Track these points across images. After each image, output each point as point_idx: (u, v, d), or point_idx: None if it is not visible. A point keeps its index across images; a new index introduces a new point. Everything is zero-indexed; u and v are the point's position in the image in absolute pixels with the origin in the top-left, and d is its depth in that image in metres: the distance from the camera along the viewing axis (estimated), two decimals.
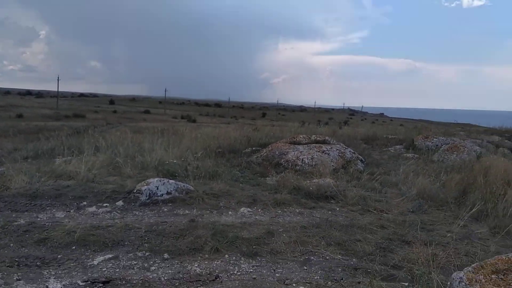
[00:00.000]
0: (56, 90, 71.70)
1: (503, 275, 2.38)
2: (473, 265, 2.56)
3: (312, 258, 3.68)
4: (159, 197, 5.33)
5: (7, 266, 3.19)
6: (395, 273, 3.28)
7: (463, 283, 2.42)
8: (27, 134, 14.87)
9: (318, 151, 8.53)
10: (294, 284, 3.10)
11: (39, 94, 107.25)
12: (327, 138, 9.96)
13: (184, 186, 5.69)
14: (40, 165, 6.87)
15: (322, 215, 4.97)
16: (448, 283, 2.58)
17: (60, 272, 3.16)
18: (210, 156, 8.32)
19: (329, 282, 3.15)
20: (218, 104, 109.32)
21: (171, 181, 5.69)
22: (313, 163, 7.98)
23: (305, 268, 3.45)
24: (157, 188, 5.42)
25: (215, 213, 4.92)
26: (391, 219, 4.82)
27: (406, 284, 3.03)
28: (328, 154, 8.51)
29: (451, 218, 4.89)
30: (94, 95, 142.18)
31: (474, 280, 2.40)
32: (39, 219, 4.39)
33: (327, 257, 3.69)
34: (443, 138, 11.97)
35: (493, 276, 2.39)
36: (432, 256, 3.25)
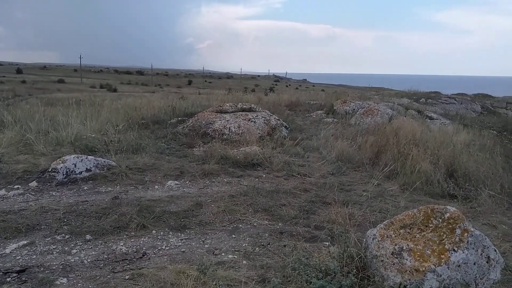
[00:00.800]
0: None
1: (409, 229, 2.67)
2: (384, 222, 2.83)
3: (240, 226, 3.78)
4: (78, 175, 5.02)
5: None
6: (317, 234, 3.52)
7: (376, 239, 2.67)
8: None
9: (245, 119, 8.60)
10: (223, 254, 3.17)
11: None
12: (253, 105, 10.06)
13: (105, 161, 5.41)
14: None
15: (249, 183, 5.08)
16: (364, 240, 2.83)
17: None
18: (133, 128, 7.95)
19: (256, 248, 3.27)
20: (140, 72, 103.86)
21: (90, 157, 5.37)
22: (240, 131, 8.05)
23: (234, 236, 3.54)
24: (75, 166, 5.08)
25: (141, 188, 4.78)
26: (313, 182, 5.11)
27: (327, 243, 3.27)
28: (254, 122, 8.62)
29: (367, 178, 5.31)
30: None
31: (385, 235, 2.67)
32: None
33: (255, 224, 3.81)
34: (359, 102, 12.76)
35: (401, 230, 2.67)
36: (349, 215, 3.52)
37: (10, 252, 3.08)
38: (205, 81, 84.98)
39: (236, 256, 3.11)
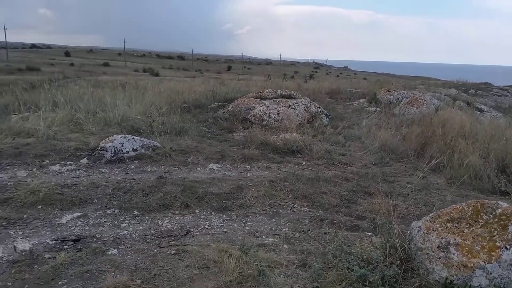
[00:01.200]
0: (4, 40, 66.31)
1: (457, 223, 2.58)
2: (430, 214, 2.75)
3: (280, 211, 3.82)
4: (125, 154, 5.23)
5: None
6: (358, 223, 3.49)
7: (421, 231, 2.61)
8: None
9: (284, 106, 8.57)
10: (263, 236, 3.23)
11: None
12: (292, 92, 10.00)
13: (150, 142, 5.60)
14: None
15: (289, 169, 5.09)
16: (408, 232, 2.77)
17: (27, 231, 3.10)
18: (176, 111, 8.15)
19: (297, 234, 3.30)
20: (181, 57, 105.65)
21: (136, 137, 5.58)
22: (280, 118, 8.04)
23: (274, 220, 3.58)
24: (122, 145, 5.30)
25: (184, 169, 4.92)
26: (355, 172, 5.03)
27: (369, 233, 3.23)
28: (294, 108, 8.58)
29: (411, 170, 5.16)
30: (48, 46, 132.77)
31: (431, 228, 2.59)
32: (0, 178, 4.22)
33: (295, 210, 3.83)
34: (403, 91, 12.34)
35: (448, 224, 2.59)
36: (393, 207, 3.45)
37: (66, 222, 3.30)
38: (244, 67, 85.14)
39: (276, 240, 3.16)
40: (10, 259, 2.68)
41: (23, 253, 2.75)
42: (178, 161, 5.15)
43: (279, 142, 6.13)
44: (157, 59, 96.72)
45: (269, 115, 8.15)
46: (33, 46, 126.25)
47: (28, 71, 34.89)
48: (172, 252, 2.85)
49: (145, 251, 2.87)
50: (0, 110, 8.12)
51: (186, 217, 3.53)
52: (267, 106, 8.51)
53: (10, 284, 2.41)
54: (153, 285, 2.42)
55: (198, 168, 4.99)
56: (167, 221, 3.43)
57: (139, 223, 3.37)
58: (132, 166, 4.91)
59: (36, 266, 2.60)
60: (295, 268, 2.67)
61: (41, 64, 44.30)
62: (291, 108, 8.56)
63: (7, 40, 66.41)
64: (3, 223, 3.22)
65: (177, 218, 3.51)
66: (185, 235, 3.19)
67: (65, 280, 2.46)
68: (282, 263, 2.70)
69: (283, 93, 9.81)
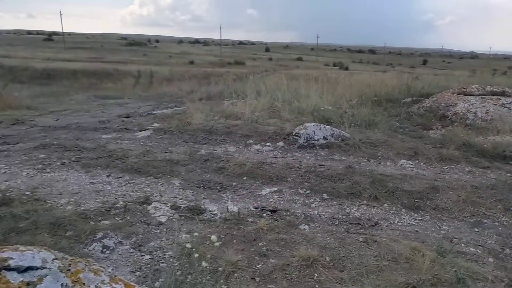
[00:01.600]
0: (219, 38, 78.58)
1: None
2: None
3: (485, 221, 3.33)
4: (316, 141, 5.49)
5: (196, 187, 3.84)
6: None
7: None
8: (199, 78, 16.93)
9: (495, 104, 7.36)
10: (463, 244, 2.88)
11: (206, 42, 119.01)
12: (506, 89, 8.48)
13: (339, 132, 5.70)
14: (212, 105, 7.79)
15: (498, 177, 4.36)
16: None
17: (235, 197, 3.65)
18: (366, 104, 8.03)
19: (506, 249, 2.82)
20: (372, 50, 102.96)
21: (327, 126, 5.76)
22: (488, 117, 6.95)
23: (476, 230, 3.15)
24: (314, 133, 5.57)
25: (372, 162, 4.83)
26: None
27: None
28: (509, 108, 7.27)
29: None
30: (252, 43, 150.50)
31: None
32: (215, 151, 5.07)
33: (505, 223, 3.27)
34: None
35: None
36: None
37: (265, 194, 3.72)
38: (443, 61, 76.59)
39: (479, 251, 2.78)
40: (223, 216, 3.20)
41: (232, 214, 3.24)
42: (366, 153, 5.09)
43: (487, 145, 5.31)
44: (347, 53, 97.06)
45: (475, 113, 7.14)
46: (240, 42, 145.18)
47: (236, 64, 40.38)
48: (360, 240, 2.86)
49: (334, 232, 2.97)
50: (216, 96, 9.71)
51: (374, 209, 3.47)
52: (472, 104, 7.48)
53: (223, 236, 2.89)
54: (341, 266, 2.49)
55: (388, 163, 4.81)
56: (355, 209, 3.45)
57: (327, 206, 3.51)
58: (322, 153, 5.12)
59: (241, 226, 3.04)
60: (504, 287, 2.30)
61: (246, 58, 50.51)
62: (505, 107, 7.29)
63: (221, 38, 78.42)
64: (217, 187, 3.87)
65: (364, 208, 3.49)
66: (373, 226, 3.15)
67: (264, 243, 2.79)
68: (487, 277, 2.36)
69: (494, 89, 8.43)
